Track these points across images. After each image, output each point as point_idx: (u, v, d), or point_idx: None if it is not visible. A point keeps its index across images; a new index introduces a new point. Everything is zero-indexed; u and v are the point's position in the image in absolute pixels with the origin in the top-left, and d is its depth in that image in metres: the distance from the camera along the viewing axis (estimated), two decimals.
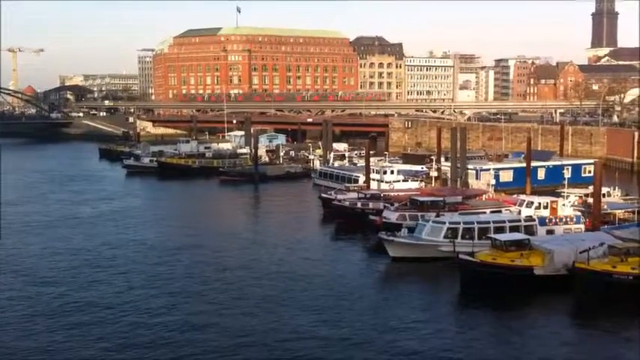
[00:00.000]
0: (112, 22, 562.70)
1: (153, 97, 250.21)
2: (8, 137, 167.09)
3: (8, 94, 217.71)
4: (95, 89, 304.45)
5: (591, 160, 73.38)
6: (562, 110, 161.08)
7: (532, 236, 43.62)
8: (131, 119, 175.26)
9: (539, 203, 53.15)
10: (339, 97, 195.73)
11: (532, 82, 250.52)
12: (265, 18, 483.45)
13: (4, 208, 66.20)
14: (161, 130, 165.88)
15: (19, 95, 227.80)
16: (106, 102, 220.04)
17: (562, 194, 56.42)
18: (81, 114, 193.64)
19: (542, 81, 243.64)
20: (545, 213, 51.69)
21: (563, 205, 53.38)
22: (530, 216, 49.74)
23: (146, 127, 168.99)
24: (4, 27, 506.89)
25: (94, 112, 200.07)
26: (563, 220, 50.09)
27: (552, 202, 53.30)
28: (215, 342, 31.82)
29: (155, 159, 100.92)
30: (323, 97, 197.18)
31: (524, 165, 71.63)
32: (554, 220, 49.78)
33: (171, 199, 78.86)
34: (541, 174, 75.29)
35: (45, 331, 33.32)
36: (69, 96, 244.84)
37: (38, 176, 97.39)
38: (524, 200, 54.74)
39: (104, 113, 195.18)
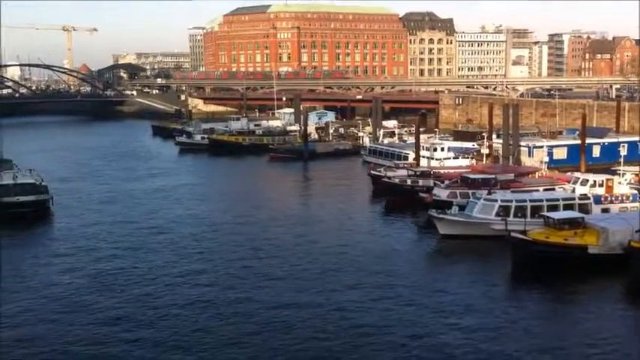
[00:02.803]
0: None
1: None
2: (64, 115, 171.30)
3: (64, 72, 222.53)
4: (148, 67, 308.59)
5: None
6: (618, 86, 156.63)
7: (586, 214, 42.91)
8: (183, 97, 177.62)
9: (594, 181, 52.17)
10: (308, 75, 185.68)
11: (587, 57, 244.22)
12: None
13: (61, 184, 68.04)
14: (212, 108, 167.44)
15: (75, 74, 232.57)
16: (159, 80, 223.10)
17: (618, 172, 55.26)
18: (134, 92, 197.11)
19: (598, 56, 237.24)
20: (601, 191, 50.68)
21: (619, 182, 52.32)
22: (585, 194, 48.79)
23: (197, 104, 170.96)
24: (58, 6, 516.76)
25: (146, 89, 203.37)
26: (619, 198, 49.03)
27: (608, 179, 52.27)
28: (265, 313, 32.44)
29: (206, 136, 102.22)
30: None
31: (578, 142, 70.11)
32: (609, 199, 48.78)
33: (223, 176, 79.84)
34: (596, 151, 73.72)
35: (100, 303, 34.51)
36: (122, 74, 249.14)
37: (93, 153, 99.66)
38: (579, 178, 53.78)
39: (157, 91, 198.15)
